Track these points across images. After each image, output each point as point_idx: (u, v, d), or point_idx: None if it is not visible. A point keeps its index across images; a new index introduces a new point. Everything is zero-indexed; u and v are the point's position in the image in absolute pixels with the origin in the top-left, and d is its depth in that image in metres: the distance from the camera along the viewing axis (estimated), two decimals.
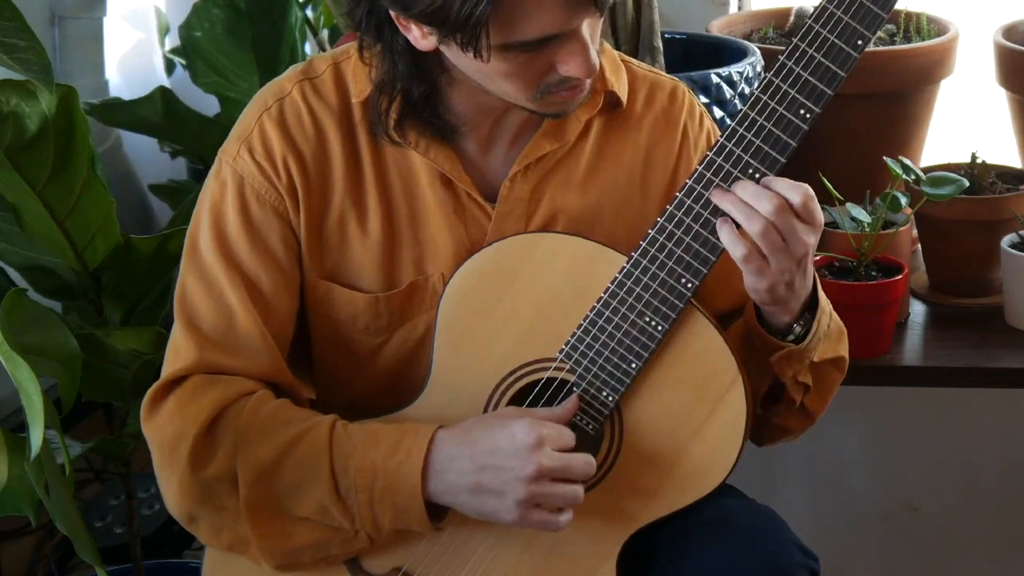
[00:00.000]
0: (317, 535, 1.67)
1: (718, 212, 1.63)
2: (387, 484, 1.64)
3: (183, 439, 1.66)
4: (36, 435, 1.38)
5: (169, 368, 1.71)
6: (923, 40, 2.62)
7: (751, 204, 1.60)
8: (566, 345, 1.68)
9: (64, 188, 1.98)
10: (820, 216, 1.62)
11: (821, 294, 1.71)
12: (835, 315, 1.76)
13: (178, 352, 1.71)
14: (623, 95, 1.76)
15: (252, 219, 1.71)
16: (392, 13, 1.61)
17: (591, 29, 1.60)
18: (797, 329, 1.70)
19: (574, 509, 1.66)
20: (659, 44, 2.39)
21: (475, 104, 1.69)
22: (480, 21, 1.52)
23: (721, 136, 1.63)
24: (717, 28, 2.70)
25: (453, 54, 1.61)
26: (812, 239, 1.62)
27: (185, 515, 1.69)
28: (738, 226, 1.62)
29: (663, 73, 1.83)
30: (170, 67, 2.88)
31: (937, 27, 2.66)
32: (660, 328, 1.66)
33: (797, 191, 1.60)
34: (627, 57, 1.81)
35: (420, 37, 1.61)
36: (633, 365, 1.66)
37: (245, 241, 1.71)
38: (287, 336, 1.75)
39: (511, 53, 1.57)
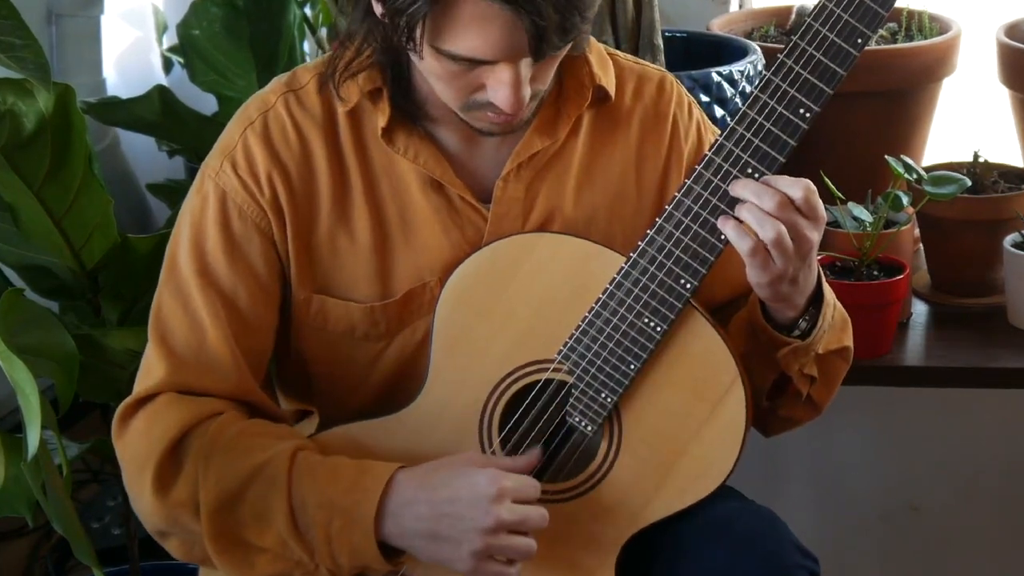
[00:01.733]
0: (279, 566, 1.65)
1: (717, 212, 1.62)
2: (343, 523, 1.62)
3: (149, 460, 1.65)
4: (33, 436, 1.38)
5: (140, 385, 1.70)
6: (925, 38, 2.61)
7: (753, 202, 1.59)
8: (564, 346, 1.67)
9: (61, 187, 1.98)
10: (822, 210, 1.62)
11: (826, 287, 1.70)
12: (839, 305, 1.75)
13: (149, 369, 1.70)
14: (611, 88, 1.75)
15: (233, 234, 1.70)
16: None
17: (537, 69, 1.59)
18: (803, 324, 1.69)
19: (572, 513, 1.65)
20: (659, 42, 2.39)
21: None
22: (418, 14, 1.52)
23: (720, 135, 1.62)
24: (718, 26, 2.70)
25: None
26: (816, 235, 1.61)
27: (156, 533, 1.69)
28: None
29: (650, 65, 1.82)
30: (168, 65, 2.87)
31: (939, 25, 2.65)
32: (659, 329, 1.65)
33: (798, 187, 1.60)
34: (613, 50, 1.80)
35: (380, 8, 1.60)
36: (632, 366, 1.66)
37: (224, 256, 1.69)
38: (264, 353, 1.74)
39: (443, 58, 1.57)
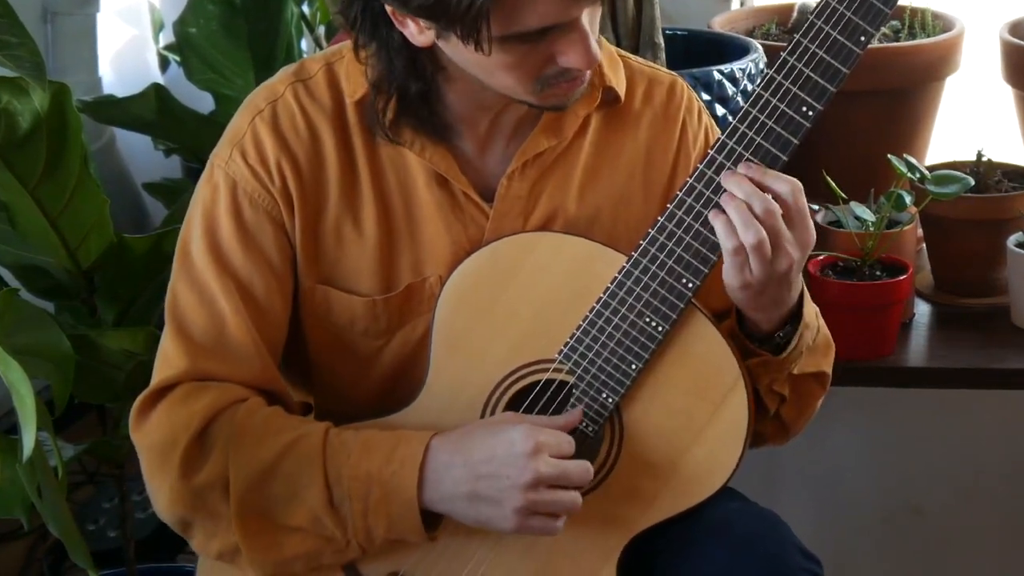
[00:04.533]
0: (309, 545, 1.65)
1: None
2: (382, 494, 1.62)
3: (174, 446, 1.64)
4: (28, 437, 1.37)
5: (159, 376, 1.69)
6: (928, 36, 2.61)
7: (742, 200, 1.58)
8: (565, 346, 1.67)
9: (57, 187, 1.97)
10: (812, 229, 1.61)
11: (807, 308, 1.70)
12: (824, 329, 1.75)
13: (168, 360, 1.69)
14: (621, 91, 1.74)
15: (245, 223, 1.69)
16: (388, 8, 1.59)
17: (590, 19, 1.59)
18: (777, 340, 1.68)
19: (574, 513, 1.64)
20: (660, 40, 2.38)
21: (472, 101, 1.68)
22: (481, 12, 1.51)
23: (723, 134, 1.62)
24: (719, 24, 2.69)
25: (452, 48, 1.60)
26: (797, 254, 1.61)
27: (178, 521, 1.68)
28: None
29: (661, 68, 1.82)
30: (164, 64, 2.87)
31: (942, 23, 2.64)
32: (660, 329, 1.64)
33: (786, 183, 1.59)
34: (624, 52, 1.80)
35: (417, 32, 1.59)
36: (633, 366, 1.65)
37: (238, 245, 1.69)
38: (279, 342, 1.73)
39: (511, 45, 1.56)
